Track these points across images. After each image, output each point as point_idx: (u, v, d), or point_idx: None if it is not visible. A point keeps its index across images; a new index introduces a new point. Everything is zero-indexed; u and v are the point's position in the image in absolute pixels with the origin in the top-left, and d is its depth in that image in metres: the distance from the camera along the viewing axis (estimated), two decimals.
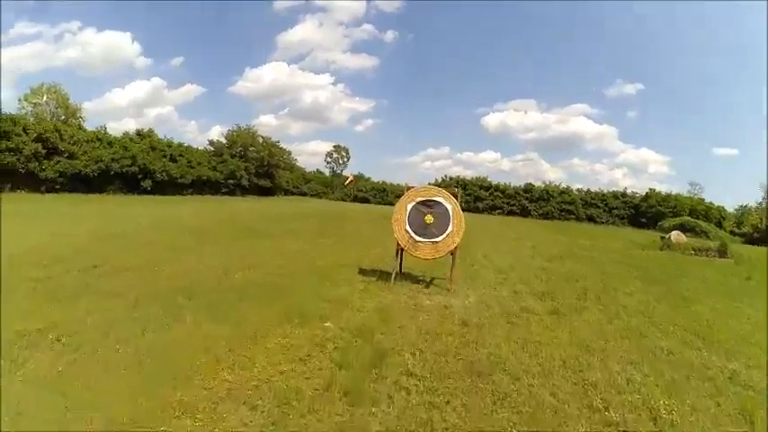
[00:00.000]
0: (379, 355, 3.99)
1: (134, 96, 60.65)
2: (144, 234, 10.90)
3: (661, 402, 3.47)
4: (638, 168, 60.65)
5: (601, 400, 3.46)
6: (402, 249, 6.77)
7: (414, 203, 6.71)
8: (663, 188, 44.06)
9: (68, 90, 34.35)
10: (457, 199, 6.74)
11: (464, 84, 72.54)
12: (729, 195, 66.86)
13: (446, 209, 6.63)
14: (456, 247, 6.56)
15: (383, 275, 7.03)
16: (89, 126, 34.23)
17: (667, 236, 18.40)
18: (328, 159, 64.05)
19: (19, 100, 31.97)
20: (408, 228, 6.64)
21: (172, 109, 64.48)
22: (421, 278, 7.36)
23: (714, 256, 15.56)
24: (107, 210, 18.21)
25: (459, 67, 70.22)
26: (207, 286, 6.11)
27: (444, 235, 6.52)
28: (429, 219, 6.59)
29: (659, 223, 36.14)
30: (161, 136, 38.30)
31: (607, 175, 61.05)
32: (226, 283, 6.33)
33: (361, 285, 6.51)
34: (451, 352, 4.16)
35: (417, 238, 6.60)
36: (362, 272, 7.53)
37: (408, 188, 6.97)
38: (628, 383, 3.87)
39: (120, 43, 56.43)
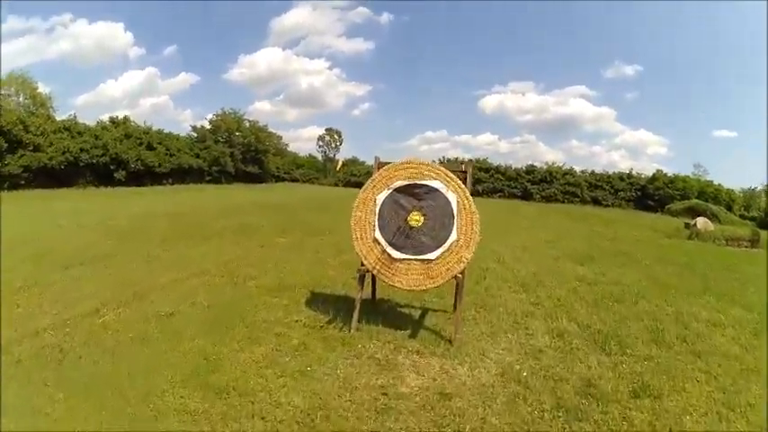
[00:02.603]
0: None
1: (128, 87, 59.35)
2: (55, 240, 8.38)
3: None
4: (637, 150, 59.99)
5: None
6: (368, 273, 3.93)
7: (389, 192, 3.88)
8: (662, 170, 42.23)
9: (55, 80, 32.72)
10: (466, 183, 3.92)
11: (462, 66, 70.03)
12: (729, 178, 64.91)
13: (446, 200, 3.81)
14: (464, 271, 3.74)
15: (343, 308, 4.30)
16: (64, 116, 31.30)
17: (693, 223, 16.50)
18: (320, 143, 61.19)
19: None
20: (379, 235, 3.81)
21: (167, 98, 62.45)
22: (404, 309, 4.65)
23: (746, 246, 13.67)
24: (47, 209, 15.16)
25: (457, 49, 67.00)
26: (31, 351, 3.48)
27: (443, 248, 3.69)
28: (416, 218, 3.79)
29: (667, 206, 34.21)
30: (153, 125, 36.03)
31: (605, 156, 59.89)
32: (77, 336, 3.74)
33: (296, 336, 3.73)
34: None
35: (395, 253, 3.75)
36: (312, 301, 4.78)
37: (380, 164, 4.09)
38: None
39: (113, 33, 55.62)
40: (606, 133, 65.33)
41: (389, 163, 4.00)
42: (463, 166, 4.03)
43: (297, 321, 4.11)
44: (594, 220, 19.82)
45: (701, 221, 16.52)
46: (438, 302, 4.85)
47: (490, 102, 61.55)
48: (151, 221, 11.36)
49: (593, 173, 42.90)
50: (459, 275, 3.64)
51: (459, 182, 3.87)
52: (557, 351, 3.74)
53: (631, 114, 62.93)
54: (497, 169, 43.02)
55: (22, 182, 25.27)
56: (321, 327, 3.95)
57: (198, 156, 38.57)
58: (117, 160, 30.86)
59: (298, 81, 66.01)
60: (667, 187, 39.29)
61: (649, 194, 39.76)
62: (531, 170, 42.75)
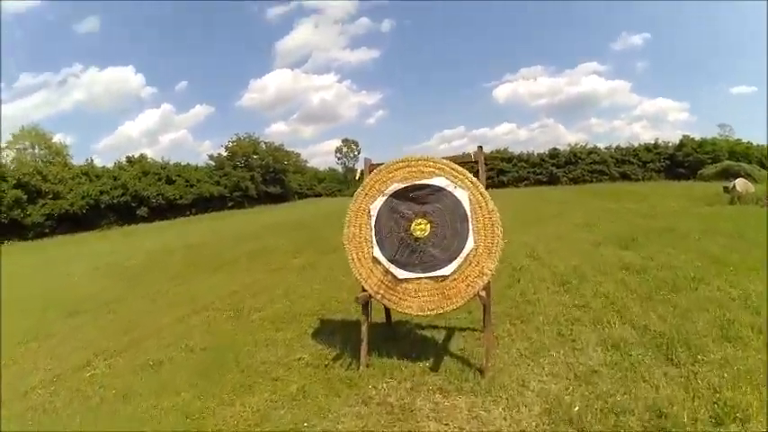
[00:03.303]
0: None
1: (145, 126, 63.11)
2: (65, 287, 8.47)
3: None
4: (658, 118, 58.43)
5: None
6: (372, 298, 3.25)
7: (385, 198, 3.25)
8: (688, 135, 40.37)
9: (74, 129, 34.47)
10: (480, 176, 3.21)
11: (470, 60, 69.93)
12: (756, 134, 61.14)
13: (455, 200, 3.14)
14: (489, 285, 3.07)
15: (353, 338, 3.68)
16: (82, 162, 32.24)
17: (732, 186, 15.20)
18: (338, 155, 61.16)
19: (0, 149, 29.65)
20: (378, 252, 3.18)
21: (185, 132, 67.02)
22: (426, 332, 4.01)
23: None
24: (65, 255, 15.29)
25: (463, 44, 66.93)
26: (16, 413, 3.26)
27: (459, 259, 3.01)
28: (421, 227, 3.15)
29: (699, 172, 32.57)
30: (174, 160, 37.17)
31: (627, 130, 58.35)
32: (63, 394, 3.52)
33: (296, 380, 3.15)
34: None
35: (400, 272, 3.11)
36: (319, 332, 4.21)
37: (371, 167, 3.42)
38: None
39: (124, 77, 58.59)
40: (624, 106, 64.18)
41: (380, 165, 3.36)
42: (473, 156, 3.34)
43: (299, 360, 3.55)
44: (627, 197, 18.65)
45: (740, 183, 15.24)
46: (466, 319, 4.17)
47: (503, 91, 61.42)
48: (167, 257, 11.18)
49: (618, 148, 41.75)
50: (483, 293, 2.96)
51: (470, 175, 3.19)
52: (614, 369, 3.02)
53: (646, 83, 61.72)
54: (520, 157, 42.33)
55: (47, 230, 25.95)
56: (326, 365, 3.37)
57: (218, 183, 39.05)
58: (138, 197, 31.49)
59: (309, 98, 68.63)
60: (696, 152, 37.83)
61: (679, 162, 38.35)
62: (554, 154, 41.76)
